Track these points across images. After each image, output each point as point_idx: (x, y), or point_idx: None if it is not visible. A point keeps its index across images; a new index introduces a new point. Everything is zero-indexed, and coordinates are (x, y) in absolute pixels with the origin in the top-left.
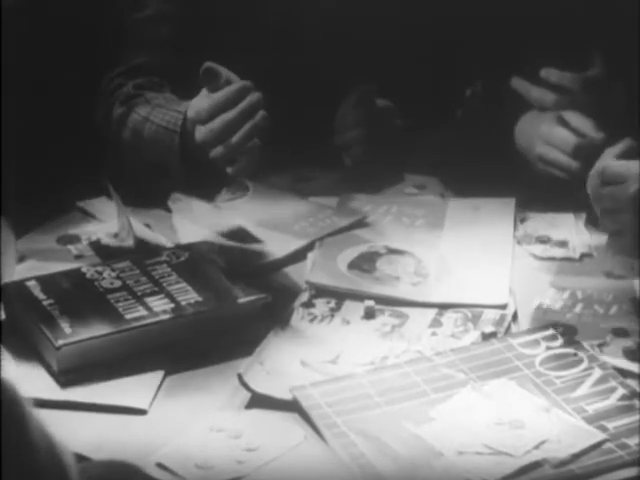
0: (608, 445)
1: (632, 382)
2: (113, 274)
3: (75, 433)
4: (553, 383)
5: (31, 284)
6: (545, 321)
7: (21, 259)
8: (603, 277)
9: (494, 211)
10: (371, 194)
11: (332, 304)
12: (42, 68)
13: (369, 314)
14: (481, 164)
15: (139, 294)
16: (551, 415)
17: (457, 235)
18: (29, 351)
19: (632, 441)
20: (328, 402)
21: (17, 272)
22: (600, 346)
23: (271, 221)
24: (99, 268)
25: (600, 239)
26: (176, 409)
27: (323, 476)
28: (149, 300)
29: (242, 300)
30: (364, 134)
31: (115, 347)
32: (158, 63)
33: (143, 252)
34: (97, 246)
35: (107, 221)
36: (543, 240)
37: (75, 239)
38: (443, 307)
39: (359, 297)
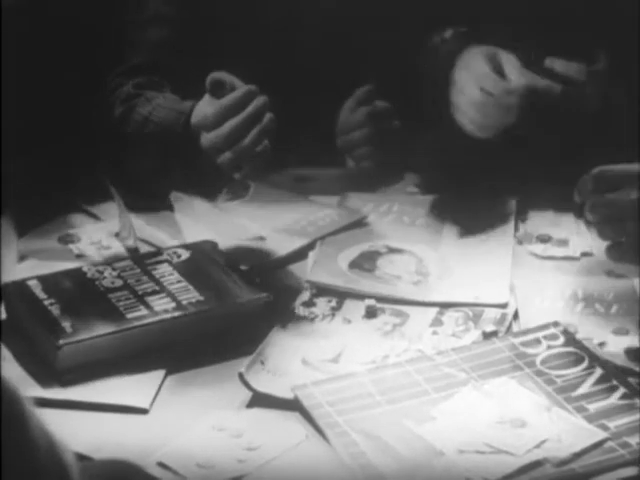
0: (609, 444)
1: (633, 381)
2: (114, 273)
3: (76, 432)
4: (554, 382)
5: (32, 283)
6: (546, 320)
7: (22, 258)
8: (604, 276)
9: (495, 210)
10: (372, 193)
11: (333, 303)
12: (41, 67)
13: (370, 313)
14: (480, 163)
15: (140, 293)
16: (552, 414)
17: (457, 233)
18: (30, 350)
19: (633, 440)
20: (329, 401)
21: (18, 271)
22: (601, 345)
23: (272, 220)
24: (100, 267)
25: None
26: (177, 408)
27: (324, 475)
28: (150, 299)
29: (243, 299)
30: (367, 136)
31: (116, 346)
32: (158, 63)
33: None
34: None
35: (108, 220)
36: (544, 239)
37: (76, 238)
38: (444, 306)
39: (360, 296)
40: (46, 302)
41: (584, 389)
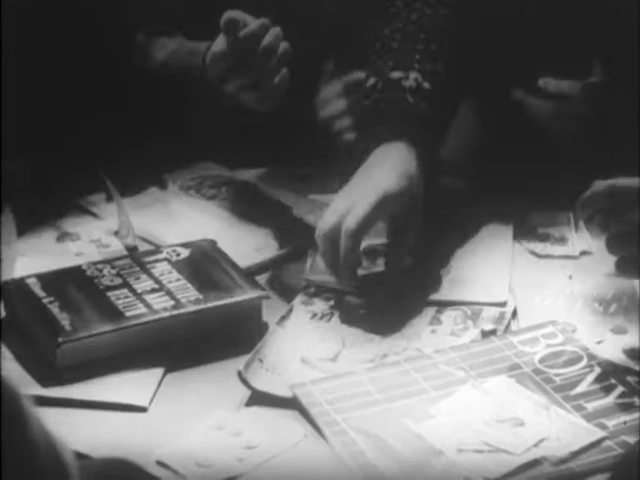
0: (607, 443)
1: (632, 379)
2: (113, 271)
3: (75, 431)
4: (552, 381)
5: (31, 281)
6: (544, 319)
7: (21, 257)
8: (603, 274)
9: (494, 209)
10: None
11: (332, 302)
12: (38, 65)
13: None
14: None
15: (139, 291)
16: (550, 413)
17: (456, 232)
18: (29, 348)
19: (632, 439)
20: (328, 400)
21: (17, 270)
22: (599, 343)
23: (272, 219)
24: (99, 266)
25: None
26: (176, 407)
27: (323, 474)
28: (149, 297)
29: (242, 298)
30: (347, 106)
31: (115, 344)
32: (167, 12)
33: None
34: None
35: (107, 219)
36: (542, 238)
37: (75, 237)
38: (443, 305)
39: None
40: (45, 300)
41: (582, 388)
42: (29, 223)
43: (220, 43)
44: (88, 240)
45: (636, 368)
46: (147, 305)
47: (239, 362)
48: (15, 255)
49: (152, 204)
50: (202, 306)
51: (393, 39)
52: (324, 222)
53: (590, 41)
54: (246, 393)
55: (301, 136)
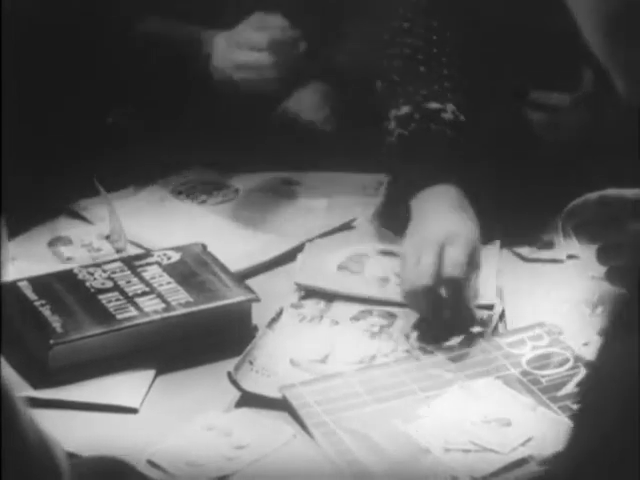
0: None
1: None
2: (104, 275)
3: (66, 432)
4: (539, 382)
5: (23, 285)
6: (532, 321)
7: (12, 261)
8: (589, 278)
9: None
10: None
11: (321, 305)
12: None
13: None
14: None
15: (130, 294)
16: (537, 413)
17: None
18: (21, 351)
19: None
20: (317, 401)
21: (9, 273)
22: (586, 345)
23: (261, 223)
24: (90, 269)
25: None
26: (167, 408)
27: (312, 474)
28: (140, 300)
29: (232, 300)
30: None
31: (106, 346)
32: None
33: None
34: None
35: (98, 223)
36: (530, 242)
37: (67, 241)
38: None
39: (348, 298)
40: (37, 303)
41: (569, 389)
42: (21, 227)
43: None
44: (80, 244)
45: None
46: (138, 308)
47: (229, 364)
48: (7, 259)
49: (143, 207)
50: (192, 309)
51: (417, 61)
52: (413, 282)
53: (580, 51)
54: (236, 394)
55: (289, 141)
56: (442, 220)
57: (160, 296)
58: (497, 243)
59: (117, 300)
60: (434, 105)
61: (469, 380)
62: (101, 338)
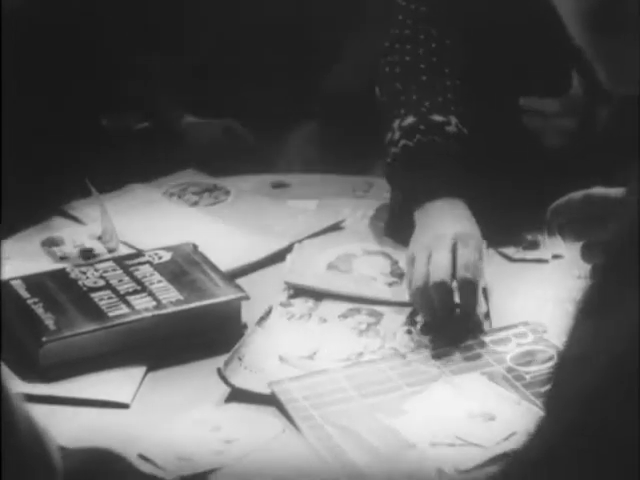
0: None
1: None
2: (97, 274)
3: (58, 426)
4: (523, 378)
5: (16, 283)
6: (517, 320)
7: (6, 261)
8: (574, 277)
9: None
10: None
11: (310, 303)
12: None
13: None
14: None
15: (122, 293)
16: (521, 408)
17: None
18: (14, 347)
19: None
20: (305, 396)
21: (2, 273)
22: None
23: (252, 224)
24: (83, 268)
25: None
26: (158, 403)
27: (299, 467)
28: (132, 298)
29: (221, 299)
30: None
31: (98, 343)
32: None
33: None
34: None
35: (90, 224)
36: (515, 242)
37: (60, 241)
38: None
39: (337, 297)
40: (30, 301)
41: None
42: (14, 228)
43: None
44: (72, 245)
45: None
46: (129, 305)
47: (219, 361)
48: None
49: (136, 206)
50: (183, 307)
51: (419, 70)
52: (425, 278)
53: (569, 55)
54: (226, 390)
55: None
56: (450, 223)
57: (151, 294)
58: (484, 243)
59: (109, 298)
60: (438, 118)
61: (454, 376)
62: (93, 335)
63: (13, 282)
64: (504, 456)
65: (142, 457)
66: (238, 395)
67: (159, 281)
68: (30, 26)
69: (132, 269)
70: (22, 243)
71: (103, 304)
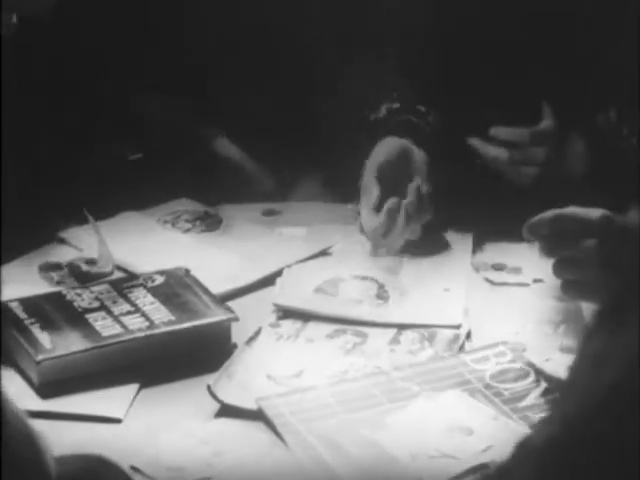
0: None
1: None
2: (92, 296)
3: (54, 440)
4: (502, 394)
5: (13, 305)
6: (497, 340)
7: (4, 284)
8: (553, 300)
9: (453, 241)
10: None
11: (298, 325)
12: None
13: None
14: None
15: (116, 314)
16: (499, 423)
17: (417, 262)
18: (12, 366)
19: None
20: (291, 411)
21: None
22: (547, 361)
23: (243, 250)
24: (78, 290)
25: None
26: (149, 418)
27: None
28: (125, 319)
29: (212, 319)
30: None
31: (93, 362)
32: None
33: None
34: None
35: (86, 250)
36: (498, 267)
37: (57, 267)
38: (402, 327)
39: (324, 319)
40: (27, 322)
41: (529, 401)
42: (13, 253)
43: None
44: (68, 270)
45: None
46: (123, 326)
47: (209, 378)
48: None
49: (130, 233)
50: (175, 327)
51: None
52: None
53: (540, 86)
54: (215, 406)
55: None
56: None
57: (144, 315)
58: (468, 266)
59: (103, 319)
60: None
61: (435, 392)
62: (87, 354)
63: (11, 304)
64: (480, 467)
65: (134, 468)
66: (227, 411)
67: (152, 302)
68: (24, 51)
69: (126, 291)
70: (20, 268)
71: (98, 324)
